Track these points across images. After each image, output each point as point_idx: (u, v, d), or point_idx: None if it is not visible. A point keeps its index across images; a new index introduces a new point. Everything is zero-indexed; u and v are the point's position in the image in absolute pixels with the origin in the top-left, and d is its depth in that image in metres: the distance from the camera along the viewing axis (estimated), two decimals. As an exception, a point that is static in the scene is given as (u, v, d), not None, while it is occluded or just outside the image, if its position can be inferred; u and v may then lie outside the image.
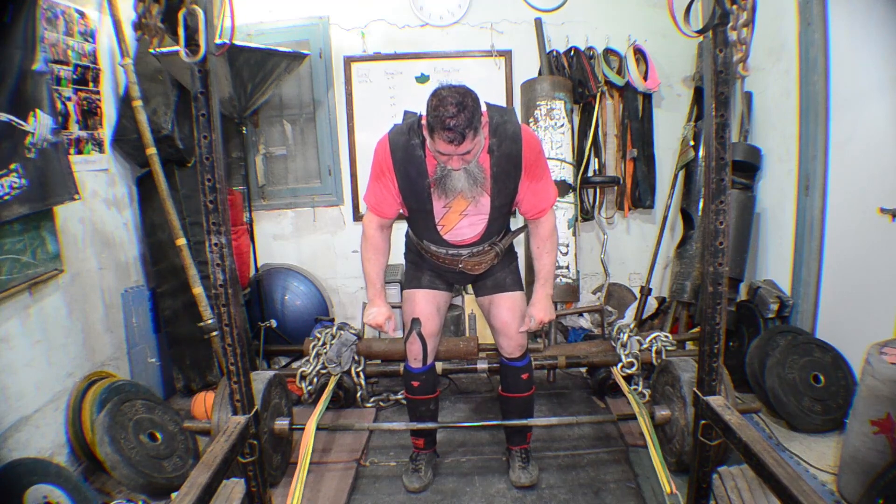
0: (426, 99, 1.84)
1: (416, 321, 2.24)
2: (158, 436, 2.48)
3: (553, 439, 2.69)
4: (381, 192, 2.07)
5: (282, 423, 2.37)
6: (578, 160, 3.69)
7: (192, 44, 1.44)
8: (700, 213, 3.47)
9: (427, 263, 2.28)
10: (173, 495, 2.01)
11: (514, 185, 2.03)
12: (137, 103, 2.86)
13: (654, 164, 3.82)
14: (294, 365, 3.51)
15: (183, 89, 3.11)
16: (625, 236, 4.02)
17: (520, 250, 2.52)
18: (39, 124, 2.23)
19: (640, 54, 3.67)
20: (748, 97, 3.49)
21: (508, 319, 2.24)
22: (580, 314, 3.65)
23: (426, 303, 2.27)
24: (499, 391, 2.43)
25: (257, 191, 3.84)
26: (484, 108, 1.91)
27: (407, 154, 1.97)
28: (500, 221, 2.14)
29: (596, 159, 3.81)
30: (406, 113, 2.10)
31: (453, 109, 1.74)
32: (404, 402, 2.81)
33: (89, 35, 2.77)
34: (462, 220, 2.08)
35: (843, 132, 2.81)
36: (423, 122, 1.88)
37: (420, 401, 2.35)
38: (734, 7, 1.42)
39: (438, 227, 2.10)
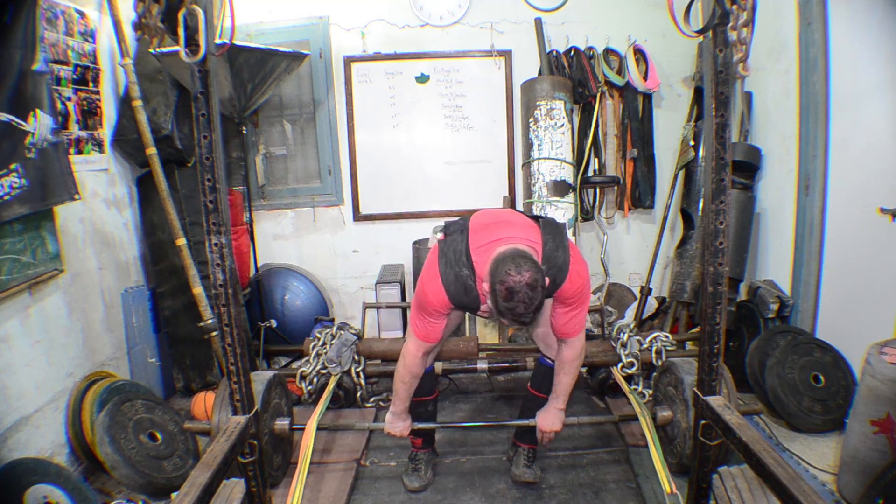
0: (473, 239, 1.93)
1: None
2: (158, 436, 2.48)
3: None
4: (432, 326, 2.08)
5: (282, 423, 2.37)
6: (578, 160, 3.69)
7: (192, 44, 1.44)
8: (700, 213, 3.46)
9: None
10: (173, 495, 2.01)
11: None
12: (137, 103, 2.86)
13: (654, 164, 3.83)
14: (294, 365, 3.51)
15: (183, 89, 3.11)
16: (625, 236, 4.02)
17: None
18: (39, 124, 2.23)
19: (640, 54, 3.67)
20: (748, 97, 3.49)
21: (545, 332, 2.27)
22: (580, 314, 3.64)
23: None
24: (528, 387, 2.44)
25: (257, 191, 3.84)
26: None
27: (460, 287, 1.97)
28: None
29: (596, 159, 3.81)
30: (448, 226, 2.09)
31: (523, 307, 1.75)
32: None
33: (89, 35, 2.77)
34: None
35: (843, 132, 2.81)
36: (483, 285, 1.88)
37: (419, 402, 2.37)
38: (734, 7, 1.42)
39: (481, 312, 2.12)
